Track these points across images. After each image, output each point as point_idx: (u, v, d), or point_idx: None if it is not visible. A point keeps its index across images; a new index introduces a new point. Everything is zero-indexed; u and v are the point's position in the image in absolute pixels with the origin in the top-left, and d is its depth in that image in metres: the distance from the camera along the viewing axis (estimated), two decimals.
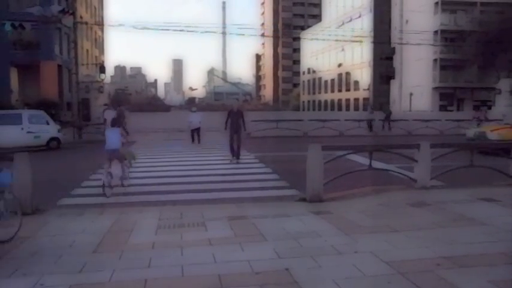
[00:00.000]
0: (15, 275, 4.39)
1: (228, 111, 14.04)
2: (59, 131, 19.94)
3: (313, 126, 26.23)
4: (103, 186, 8.75)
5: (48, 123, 19.69)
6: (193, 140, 20.24)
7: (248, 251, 5.03)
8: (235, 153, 13.84)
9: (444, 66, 46.17)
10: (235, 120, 13.67)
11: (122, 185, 9.61)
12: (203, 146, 19.22)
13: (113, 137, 9.50)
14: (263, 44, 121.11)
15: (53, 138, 19.53)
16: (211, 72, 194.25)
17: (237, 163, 13.47)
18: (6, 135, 18.36)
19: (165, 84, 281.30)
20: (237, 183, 10.20)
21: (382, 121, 28.09)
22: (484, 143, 14.13)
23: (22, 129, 19.01)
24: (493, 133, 15.38)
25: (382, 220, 6.30)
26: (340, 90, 72.01)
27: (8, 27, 21.83)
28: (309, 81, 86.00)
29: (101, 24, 56.24)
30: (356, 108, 65.33)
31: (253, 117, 28.15)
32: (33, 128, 19.15)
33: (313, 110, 78.84)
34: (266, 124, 26.17)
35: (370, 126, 27.12)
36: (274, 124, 26.13)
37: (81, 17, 41.39)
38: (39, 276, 4.30)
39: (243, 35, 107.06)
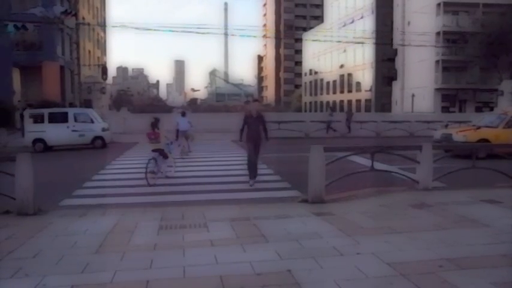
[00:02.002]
0: (18, 276, 4.40)
1: (245, 115, 10.17)
2: (103, 129, 20.01)
3: (314, 128, 26.25)
4: (181, 152, 14.85)
5: (93, 122, 19.83)
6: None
7: (250, 252, 5.03)
8: (254, 171, 10.17)
9: (446, 67, 46.07)
10: (254, 128, 9.97)
11: (189, 151, 15.81)
12: (204, 147, 19.21)
13: (183, 123, 16.15)
14: (265, 45, 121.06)
15: (97, 137, 19.67)
16: (213, 73, 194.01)
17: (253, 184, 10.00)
18: (54, 133, 18.93)
19: (167, 85, 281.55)
20: (238, 184, 10.20)
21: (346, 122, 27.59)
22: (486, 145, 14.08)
23: (68, 127, 19.29)
24: (458, 135, 15.19)
25: (384, 221, 6.29)
26: (342, 92, 71.94)
27: (10, 28, 21.89)
28: (310, 82, 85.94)
29: (103, 25, 56.34)
30: (358, 110, 65.23)
31: None
32: (78, 127, 19.51)
33: (315, 111, 78.72)
34: (268, 125, 26.11)
35: (328, 128, 26.74)
36: (276, 125, 26.08)
37: (83, 18, 41.51)
38: (42, 277, 4.31)
39: (245, 36, 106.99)
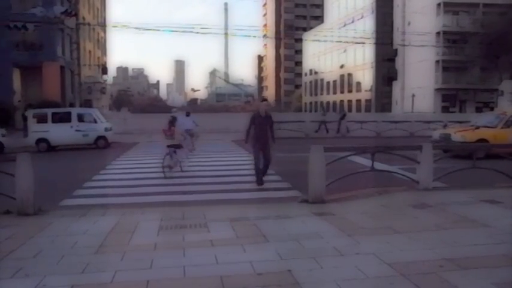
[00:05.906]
0: (18, 276, 4.40)
1: (252, 115, 9.76)
2: (106, 129, 20.06)
3: (315, 128, 26.23)
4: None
5: (96, 122, 19.90)
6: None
7: (250, 252, 5.02)
8: (262, 175, 9.78)
9: (446, 67, 46.06)
10: (262, 128, 9.50)
11: (193, 149, 15.93)
12: (205, 148, 19.21)
13: (188, 122, 16.22)
14: (265, 45, 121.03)
15: (100, 137, 19.73)
16: (213, 74, 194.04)
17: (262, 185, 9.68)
18: (57, 133, 19.01)
19: (167, 85, 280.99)
20: (238, 185, 10.19)
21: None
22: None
23: (71, 127, 19.37)
24: (457, 135, 15.12)
25: (384, 221, 6.29)
26: (342, 92, 71.92)
27: (11, 28, 21.92)
28: (311, 82, 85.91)
29: (103, 25, 56.36)
30: (358, 110, 65.26)
31: None
32: (81, 127, 19.57)
33: (315, 111, 78.74)
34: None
35: (320, 128, 26.15)
36: (276, 125, 26.03)
37: (83, 18, 41.53)
38: (42, 277, 4.31)
39: (245, 36, 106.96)
